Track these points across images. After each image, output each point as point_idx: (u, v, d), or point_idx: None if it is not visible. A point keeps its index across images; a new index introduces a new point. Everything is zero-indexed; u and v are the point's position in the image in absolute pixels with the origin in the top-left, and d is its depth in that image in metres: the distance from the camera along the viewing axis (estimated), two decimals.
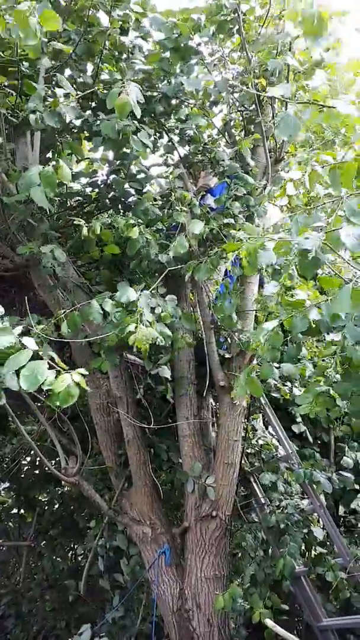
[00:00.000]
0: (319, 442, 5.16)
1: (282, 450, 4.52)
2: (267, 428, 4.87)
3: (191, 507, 3.86)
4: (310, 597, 3.81)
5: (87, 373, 2.32)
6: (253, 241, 2.40)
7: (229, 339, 4.21)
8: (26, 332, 2.35)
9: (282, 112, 2.70)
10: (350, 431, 4.92)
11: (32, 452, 5.48)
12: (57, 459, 4.47)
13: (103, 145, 3.58)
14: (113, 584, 4.50)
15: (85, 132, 3.87)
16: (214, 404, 4.59)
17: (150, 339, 2.77)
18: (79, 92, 3.52)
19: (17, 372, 2.16)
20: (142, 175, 4.12)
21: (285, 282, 2.51)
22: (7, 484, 6.33)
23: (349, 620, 3.79)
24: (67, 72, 3.87)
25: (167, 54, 3.79)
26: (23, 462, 6.08)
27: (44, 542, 6.07)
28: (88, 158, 4.67)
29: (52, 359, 2.26)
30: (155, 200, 4.12)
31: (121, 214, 3.99)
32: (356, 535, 5.02)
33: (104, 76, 3.93)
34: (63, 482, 5.10)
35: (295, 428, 4.89)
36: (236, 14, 3.90)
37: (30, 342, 2.23)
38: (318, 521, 4.11)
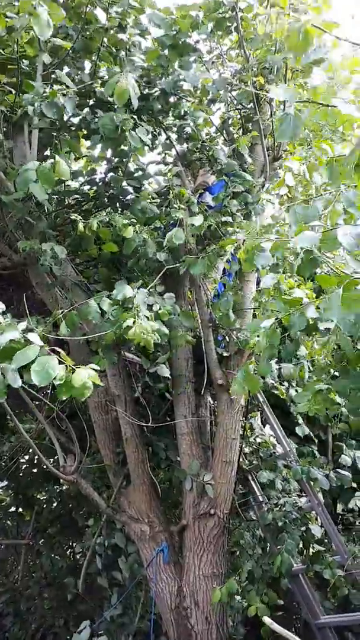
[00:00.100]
0: (317, 440, 5.17)
1: (280, 448, 4.53)
2: (264, 426, 4.88)
3: (189, 505, 3.86)
4: (308, 595, 3.82)
5: (98, 368, 2.33)
6: (250, 240, 2.39)
7: (227, 338, 4.21)
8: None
9: (281, 113, 2.69)
10: (348, 429, 4.92)
11: (30, 450, 5.47)
12: (56, 457, 4.47)
13: (101, 143, 3.58)
14: (111, 581, 4.49)
15: (83, 130, 3.86)
16: (212, 402, 4.59)
17: (149, 332, 2.75)
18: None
19: (22, 368, 2.17)
20: (140, 173, 4.11)
21: (282, 281, 2.50)
22: (5, 482, 6.31)
23: (347, 618, 3.79)
24: (65, 69, 3.86)
25: (166, 52, 3.78)
26: (21, 460, 6.07)
27: (43, 540, 6.05)
28: (86, 156, 4.66)
29: (58, 354, 2.27)
30: (153, 198, 4.12)
31: (119, 212, 3.98)
32: (354, 532, 5.05)
33: (102, 74, 3.91)
34: (61, 481, 5.12)
35: (299, 431, 4.90)
36: (234, 12, 3.89)
37: (35, 338, 2.24)
38: (316, 519, 4.12)
